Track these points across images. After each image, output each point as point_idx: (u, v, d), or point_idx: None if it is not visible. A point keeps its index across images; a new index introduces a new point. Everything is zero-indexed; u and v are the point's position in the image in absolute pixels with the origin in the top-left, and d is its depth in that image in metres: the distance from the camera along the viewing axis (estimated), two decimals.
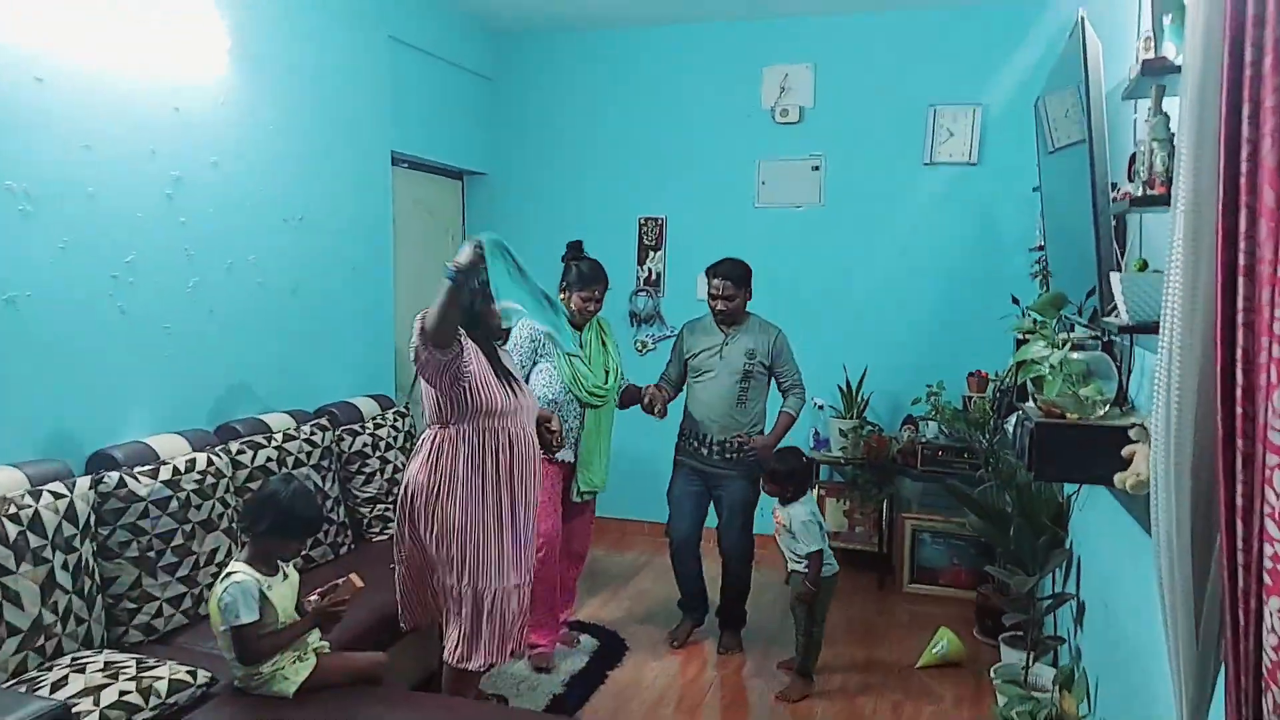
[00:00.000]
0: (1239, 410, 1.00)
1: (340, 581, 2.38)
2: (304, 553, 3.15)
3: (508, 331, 2.97)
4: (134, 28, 2.90)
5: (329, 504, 3.36)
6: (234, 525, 2.85)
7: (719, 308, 3.64)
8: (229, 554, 2.79)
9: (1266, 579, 0.92)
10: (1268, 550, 0.91)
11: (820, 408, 4.70)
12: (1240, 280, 1.02)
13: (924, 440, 4.39)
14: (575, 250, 3.50)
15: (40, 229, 2.63)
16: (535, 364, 3.41)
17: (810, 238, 4.85)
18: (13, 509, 2.26)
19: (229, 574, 2.24)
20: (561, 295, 3.34)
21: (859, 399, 4.57)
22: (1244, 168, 1.04)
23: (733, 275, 3.62)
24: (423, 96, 4.60)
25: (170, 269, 3.08)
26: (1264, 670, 0.93)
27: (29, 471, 2.43)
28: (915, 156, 4.65)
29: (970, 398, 4.31)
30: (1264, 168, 0.99)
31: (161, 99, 3.03)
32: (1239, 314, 1.01)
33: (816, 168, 4.81)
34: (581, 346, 3.46)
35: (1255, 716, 0.96)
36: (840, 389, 4.59)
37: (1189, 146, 1.22)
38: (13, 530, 2.24)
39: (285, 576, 2.35)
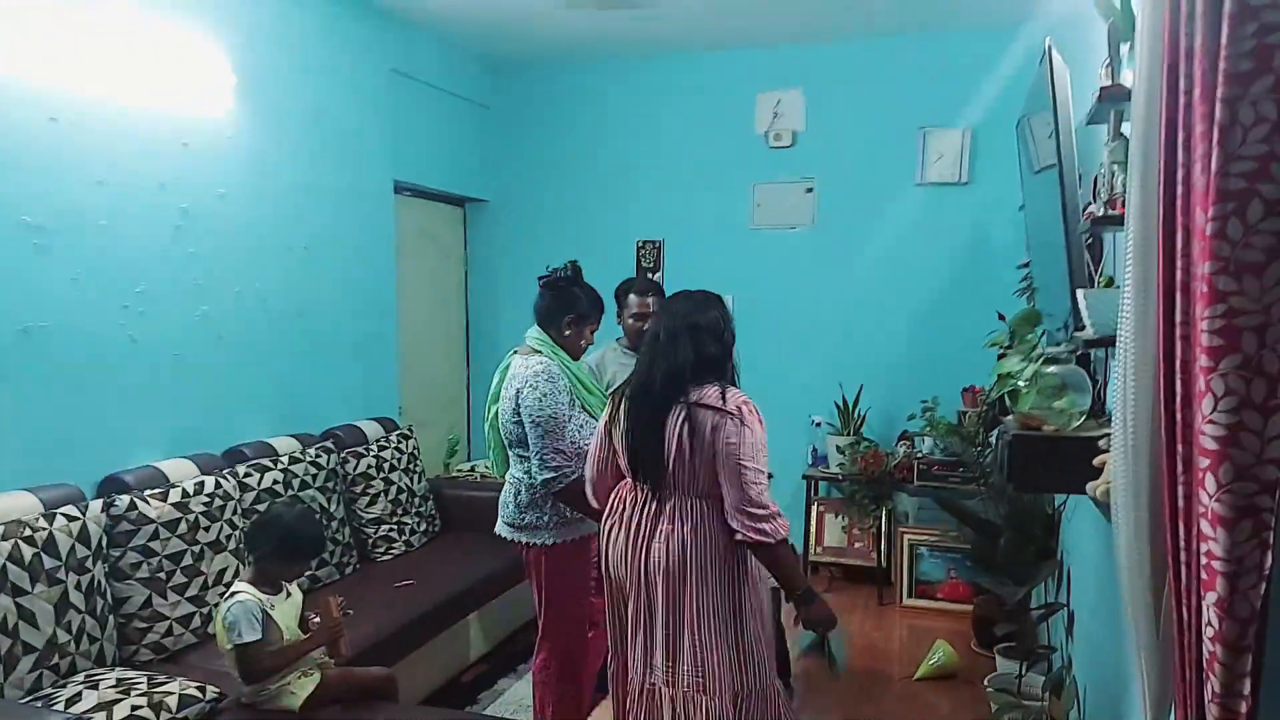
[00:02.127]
0: (1178, 417, 1.07)
1: (322, 604, 2.45)
2: (311, 573, 3.22)
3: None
4: (143, 67, 3.02)
5: (334, 525, 3.43)
6: (240, 546, 2.92)
7: (646, 327, 2.93)
8: (236, 574, 2.86)
9: (1203, 574, 0.98)
10: (1203, 548, 0.98)
11: (817, 425, 4.76)
12: (1178, 295, 1.09)
13: (920, 455, 4.45)
14: (578, 274, 2.85)
15: (54, 261, 2.73)
16: (570, 417, 2.72)
17: (804, 258, 4.94)
18: (28, 531, 2.34)
19: (233, 593, 2.31)
20: (568, 330, 2.78)
21: (855, 415, 4.64)
22: (1179, 190, 1.12)
23: (658, 290, 3.44)
24: (424, 126, 4.71)
25: (179, 298, 3.17)
26: (1204, 661, 1.00)
27: (43, 495, 2.51)
28: (907, 177, 4.74)
29: (965, 412, 4.37)
30: (1195, 191, 1.06)
31: (170, 134, 3.14)
32: (1177, 327, 1.09)
33: (810, 190, 4.90)
34: (587, 383, 2.90)
35: (1198, 706, 1.03)
36: (837, 406, 4.66)
37: (1138, 170, 1.31)
38: (28, 552, 2.32)
39: (288, 595, 2.42)
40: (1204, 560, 0.99)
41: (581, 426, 2.72)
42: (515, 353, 2.82)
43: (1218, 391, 0.94)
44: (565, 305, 2.77)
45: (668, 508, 2.27)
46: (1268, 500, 0.94)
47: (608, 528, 2.38)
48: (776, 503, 2.22)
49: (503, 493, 2.85)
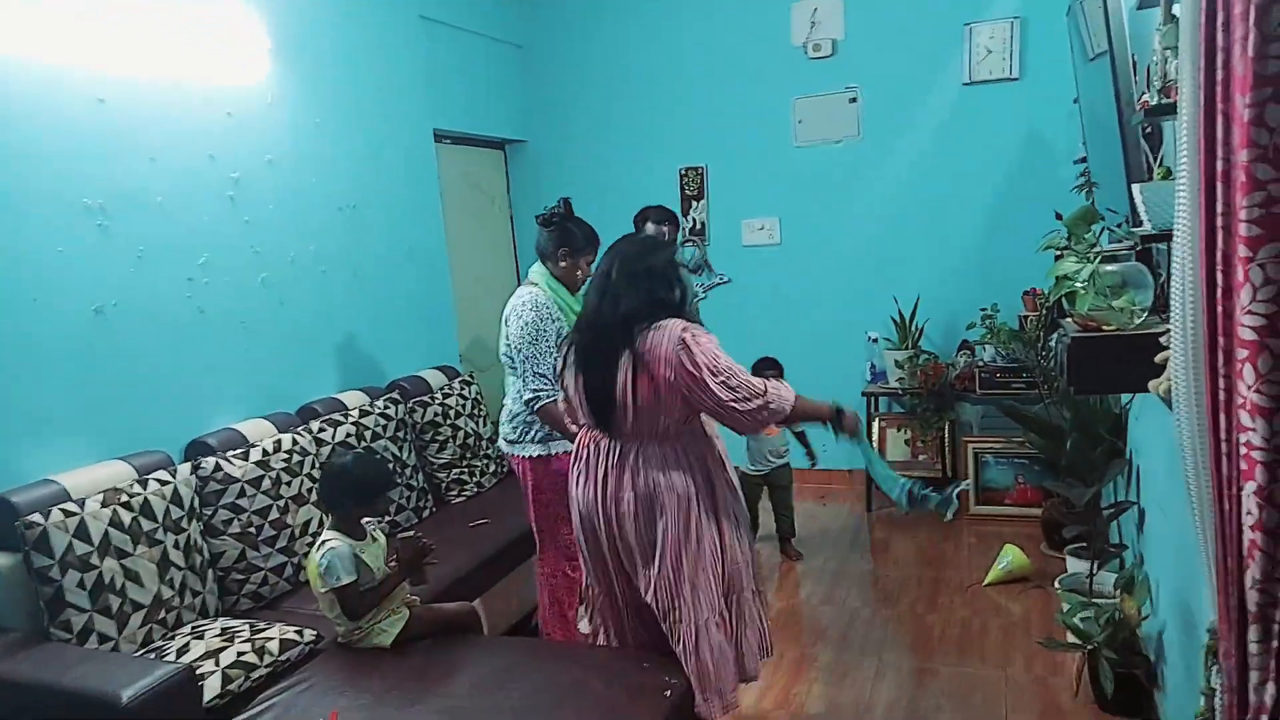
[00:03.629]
0: (1219, 309, 1.05)
1: (403, 537, 2.59)
2: (390, 518, 3.37)
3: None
4: (181, 42, 3.07)
5: (407, 472, 3.57)
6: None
7: None
8: (320, 524, 3.00)
9: (1243, 464, 0.98)
10: (1241, 438, 0.98)
11: (874, 341, 4.73)
12: (1219, 185, 1.06)
13: (981, 363, 4.40)
14: (569, 211, 3.00)
15: (118, 241, 2.84)
16: (556, 347, 2.83)
17: (851, 171, 4.83)
18: (124, 498, 2.50)
19: (324, 541, 2.44)
20: (563, 262, 2.93)
21: (913, 329, 4.58)
22: (1219, 75, 1.08)
23: (672, 218, 3.54)
24: (458, 71, 4.70)
25: (240, 266, 3.28)
26: (1244, 549, 1.00)
27: (135, 463, 2.67)
28: (954, 78, 4.58)
29: (1026, 317, 4.29)
30: (1235, 76, 1.02)
31: (215, 105, 3.20)
32: (1218, 218, 1.06)
33: (854, 100, 4.77)
34: None
35: (1239, 592, 1.04)
36: (893, 320, 4.61)
37: (1188, 55, 1.26)
38: (127, 517, 2.48)
39: (374, 540, 2.55)
40: (1243, 450, 0.99)
41: None
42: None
43: (1256, 281, 0.93)
44: (559, 240, 2.93)
45: (631, 457, 2.27)
46: None
47: (575, 474, 2.41)
48: (749, 376, 2.23)
49: (500, 410, 3.07)
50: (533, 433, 2.94)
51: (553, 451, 2.94)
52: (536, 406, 2.82)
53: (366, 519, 2.56)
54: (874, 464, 2.67)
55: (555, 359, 2.71)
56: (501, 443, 3.06)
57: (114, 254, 2.83)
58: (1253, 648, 1.03)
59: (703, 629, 2.30)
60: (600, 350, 2.27)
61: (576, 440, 2.45)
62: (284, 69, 3.51)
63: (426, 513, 3.63)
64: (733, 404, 2.19)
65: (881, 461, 2.72)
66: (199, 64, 3.14)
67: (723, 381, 2.17)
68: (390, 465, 3.39)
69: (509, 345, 2.89)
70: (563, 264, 2.94)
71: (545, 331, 2.81)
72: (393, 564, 2.52)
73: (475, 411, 4.03)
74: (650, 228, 3.57)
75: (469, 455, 3.90)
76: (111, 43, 2.82)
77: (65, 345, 2.66)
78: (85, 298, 2.73)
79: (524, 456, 2.97)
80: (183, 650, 2.39)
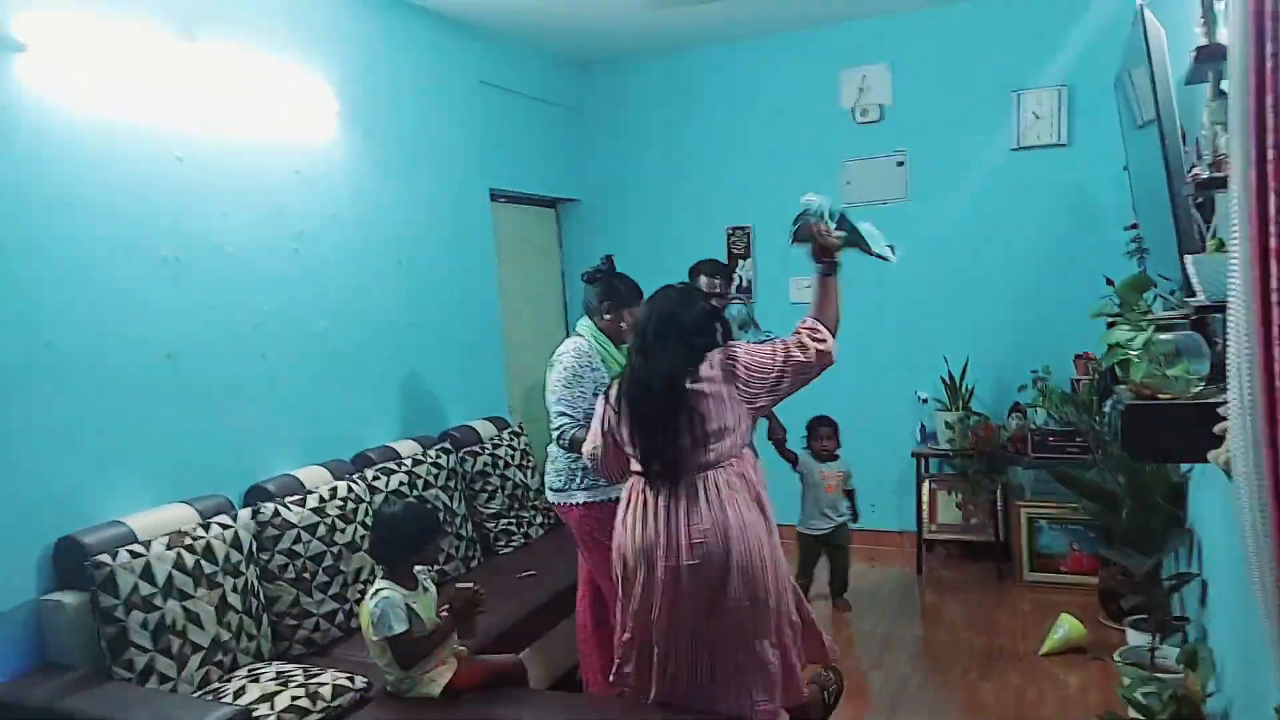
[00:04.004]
0: (1278, 384, 1.06)
1: (458, 588, 2.60)
2: (439, 567, 3.41)
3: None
4: (255, 103, 3.23)
5: (457, 521, 3.61)
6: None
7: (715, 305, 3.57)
8: (372, 572, 3.04)
9: None
10: None
11: (924, 401, 4.70)
12: (1273, 261, 1.08)
13: (1034, 427, 4.34)
14: (612, 267, 3.13)
15: (190, 290, 2.97)
16: (596, 394, 2.87)
17: (899, 232, 4.73)
18: (188, 541, 2.58)
19: (377, 590, 2.48)
20: (608, 316, 3.02)
21: (964, 390, 4.56)
22: (1271, 154, 1.10)
23: (725, 271, 3.62)
24: (515, 133, 4.86)
25: (302, 316, 3.40)
26: None
27: (198, 506, 2.75)
28: (1003, 143, 4.61)
29: (1078, 381, 4.24)
30: None
31: (284, 164, 3.36)
32: (1274, 293, 1.08)
33: (901, 163, 4.82)
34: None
35: None
36: (944, 380, 4.59)
37: (1237, 132, 1.28)
38: (189, 560, 2.55)
39: (425, 590, 2.58)
40: None
41: None
42: None
43: None
44: (603, 294, 3.05)
45: (690, 493, 2.31)
46: None
47: (629, 521, 2.42)
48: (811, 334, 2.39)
49: (545, 460, 3.10)
50: (579, 479, 2.96)
51: (599, 498, 2.93)
52: (566, 441, 2.84)
53: (419, 568, 2.60)
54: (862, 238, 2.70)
55: (588, 404, 2.84)
56: (549, 493, 3.09)
57: (185, 302, 2.96)
58: None
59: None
60: (652, 405, 2.33)
61: (628, 488, 2.48)
62: (350, 129, 3.67)
63: (475, 563, 3.66)
64: (785, 366, 2.34)
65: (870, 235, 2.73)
66: (270, 125, 3.30)
67: (781, 360, 2.35)
68: (440, 514, 3.43)
69: (549, 390, 2.95)
70: (607, 317, 3.03)
71: (582, 378, 2.89)
72: (445, 613, 2.55)
73: (524, 463, 4.08)
74: (704, 280, 3.65)
75: (517, 506, 3.94)
76: (190, 104, 2.99)
77: (137, 390, 2.78)
78: (159, 344, 2.85)
79: (571, 504, 2.98)
80: (239, 693, 2.43)
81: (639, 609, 2.42)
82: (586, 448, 2.61)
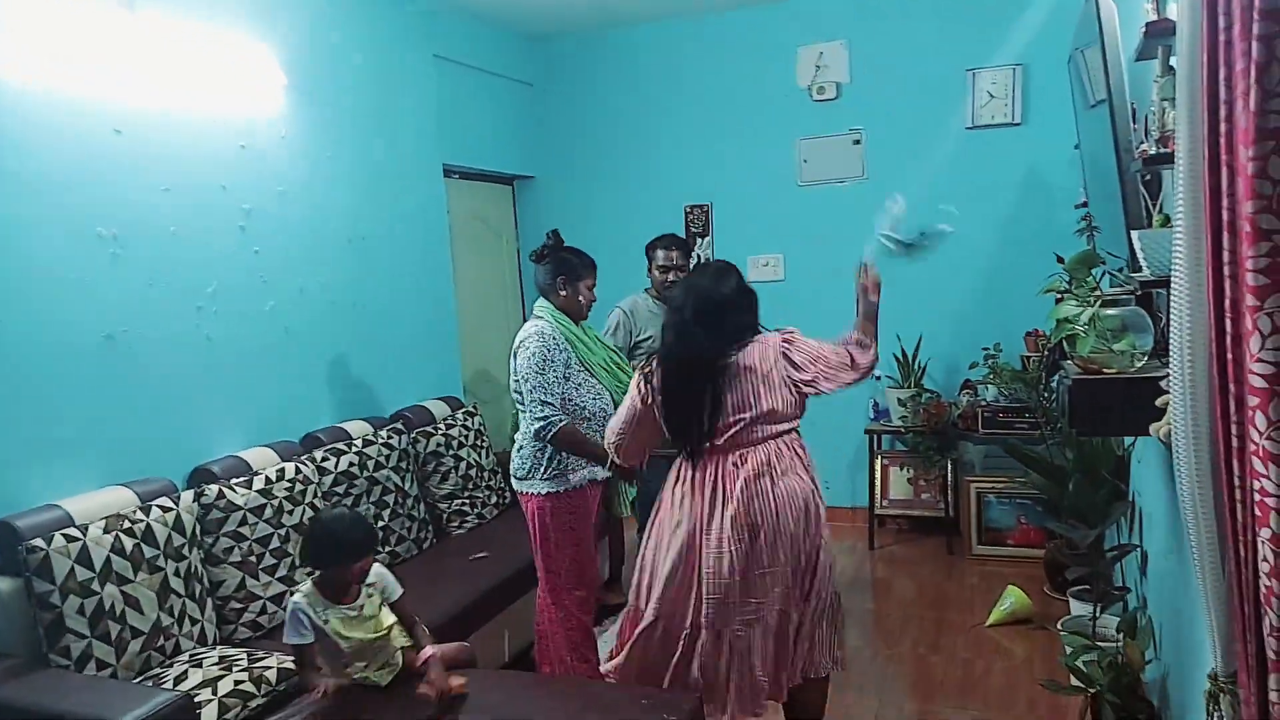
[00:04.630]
0: (1229, 356, 1.07)
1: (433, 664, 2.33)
2: (390, 548, 3.36)
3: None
4: (198, 74, 3.12)
5: (408, 502, 3.56)
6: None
7: (671, 279, 3.67)
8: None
9: (1257, 511, 0.99)
10: (1255, 485, 0.99)
11: (877, 379, 4.74)
12: (1225, 234, 1.09)
13: (984, 403, 4.41)
14: (559, 241, 3.07)
15: (130, 269, 2.87)
16: (567, 379, 2.89)
17: (855, 211, 4.86)
18: (127, 524, 2.50)
19: (295, 589, 2.35)
20: (564, 292, 2.96)
21: (916, 367, 4.60)
22: (1223, 128, 1.10)
23: (683, 245, 3.69)
24: (469, 108, 4.77)
25: (248, 296, 3.30)
26: (1260, 595, 1.01)
27: (138, 489, 2.67)
28: (958, 122, 4.64)
29: (1029, 358, 4.31)
30: (1238, 129, 1.05)
31: (229, 138, 3.25)
32: (1225, 266, 1.08)
33: (858, 141, 4.83)
34: (590, 343, 3.06)
35: (1257, 640, 1.04)
36: (896, 358, 4.63)
37: (1185, 107, 1.29)
38: (129, 543, 2.48)
39: (361, 608, 2.30)
40: (1257, 497, 1.00)
41: (579, 385, 2.93)
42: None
43: (1264, 329, 0.94)
44: (555, 270, 2.99)
45: (744, 464, 2.39)
46: None
47: (677, 498, 2.48)
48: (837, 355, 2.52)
49: (512, 447, 3.05)
50: (542, 469, 2.88)
51: (561, 488, 2.88)
52: (549, 435, 2.78)
53: (368, 585, 2.33)
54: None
55: (563, 387, 2.85)
56: (513, 481, 3.01)
57: (125, 282, 2.85)
58: (1273, 695, 1.04)
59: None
60: (694, 382, 2.41)
61: (674, 467, 2.53)
62: (298, 103, 3.57)
63: (427, 544, 3.62)
64: (839, 360, 2.51)
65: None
66: (214, 97, 3.19)
67: (839, 351, 2.53)
68: (379, 534, 3.23)
69: (517, 379, 2.88)
70: (563, 293, 2.98)
71: (552, 361, 2.84)
72: (421, 663, 2.32)
73: (478, 442, 4.04)
74: (660, 254, 3.65)
75: (471, 486, 3.89)
76: (129, 75, 2.87)
77: (74, 371, 2.68)
78: (96, 324, 2.75)
79: (532, 494, 2.92)
80: (180, 678, 2.37)
81: (675, 595, 2.44)
82: (610, 438, 2.64)
